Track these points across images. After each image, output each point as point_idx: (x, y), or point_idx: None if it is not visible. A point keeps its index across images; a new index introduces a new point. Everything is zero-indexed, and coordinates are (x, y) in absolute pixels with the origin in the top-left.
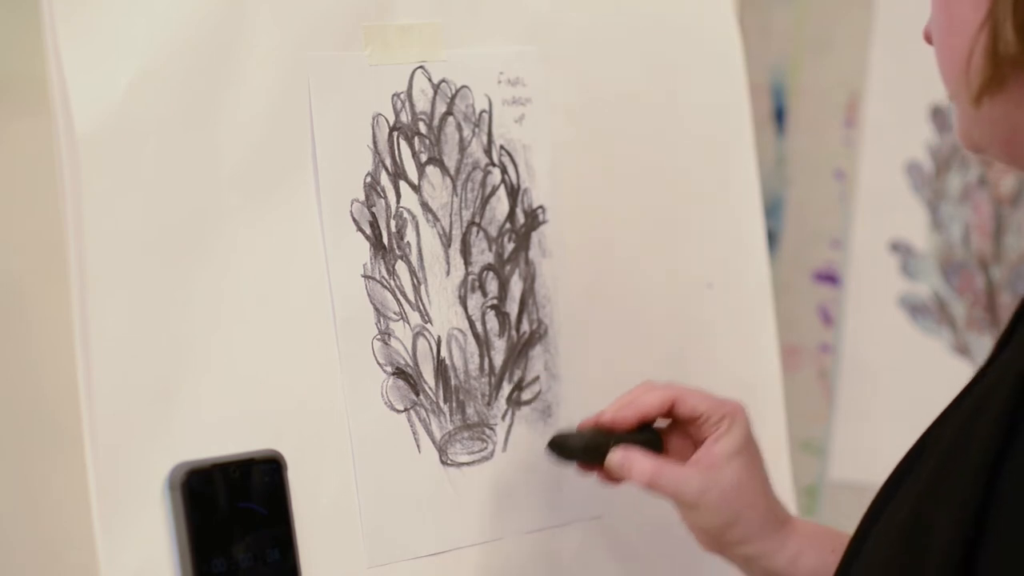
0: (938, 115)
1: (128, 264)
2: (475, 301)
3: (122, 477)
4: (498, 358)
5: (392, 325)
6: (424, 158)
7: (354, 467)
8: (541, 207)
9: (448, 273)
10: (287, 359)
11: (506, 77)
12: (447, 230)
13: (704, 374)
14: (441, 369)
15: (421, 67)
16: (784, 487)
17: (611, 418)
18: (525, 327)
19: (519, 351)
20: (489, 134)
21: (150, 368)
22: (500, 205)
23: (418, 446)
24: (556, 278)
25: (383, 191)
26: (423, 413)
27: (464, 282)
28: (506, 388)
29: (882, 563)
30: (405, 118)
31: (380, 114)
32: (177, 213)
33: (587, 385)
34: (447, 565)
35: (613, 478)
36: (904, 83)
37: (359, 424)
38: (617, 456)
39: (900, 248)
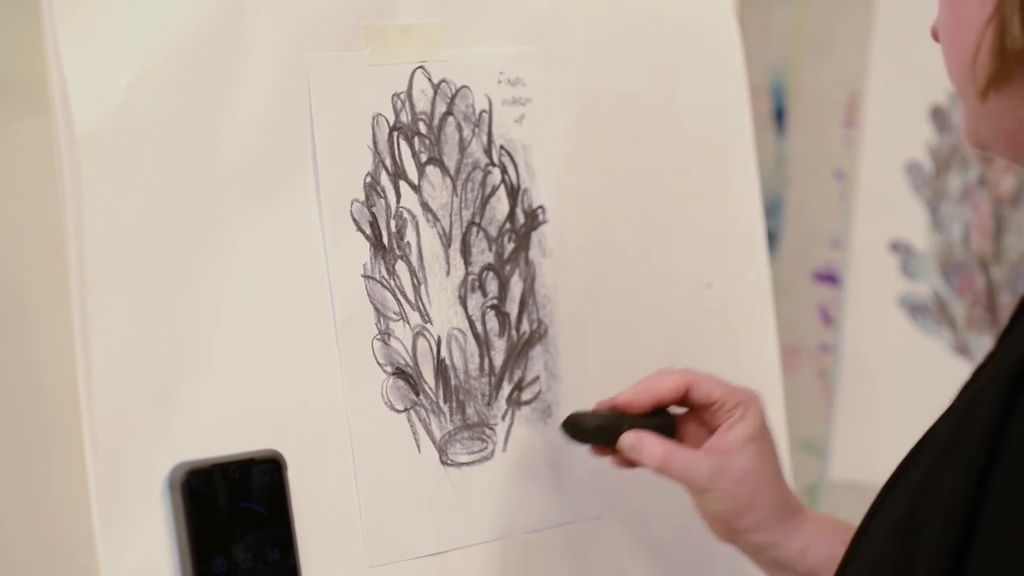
0: (938, 115)
1: (128, 264)
2: (475, 301)
3: (122, 477)
4: (498, 358)
5: (392, 325)
6: (424, 158)
7: (354, 467)
8: (541, 207)
9: (448, 273)
10: (287, 359)
11: (506, 77)
12: (447, 230)
13: None
14: (441, 369)
15: (421, 67)
16: None
17: (626, 401)
18: (525, 327)
19: (519, 351)
20: (489, 134)
21: (150, 368)
22: (500, 205)
23: (418, 446)
24: (556, 278)
25: (383, 191)
26: (423, 413)
27: (464, 282)
28: (506, 388)
29: (876, 561)
30: (405, 118)
31: (380, 114)
32: (177, 213)
33: (587, 385)
34: (447, 565)
35: (625, 461)
36: (904, 83)
37: (359, 424)
38: (630, 438)
39: (900, 248)
